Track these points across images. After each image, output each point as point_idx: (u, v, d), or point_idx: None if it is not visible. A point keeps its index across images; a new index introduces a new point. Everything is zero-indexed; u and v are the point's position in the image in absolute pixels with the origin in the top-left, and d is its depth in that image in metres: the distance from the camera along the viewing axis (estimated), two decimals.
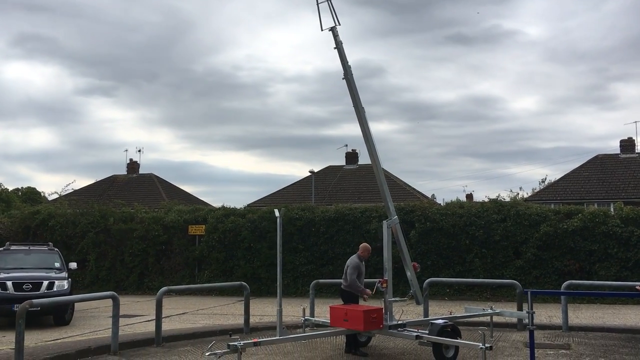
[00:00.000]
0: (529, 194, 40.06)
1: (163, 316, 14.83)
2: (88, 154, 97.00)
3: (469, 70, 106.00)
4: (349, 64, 9.23)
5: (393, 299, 9.66)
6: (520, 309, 12.03)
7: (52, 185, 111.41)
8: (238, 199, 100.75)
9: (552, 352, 9.73)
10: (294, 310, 16.77)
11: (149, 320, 14.40)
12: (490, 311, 10.77)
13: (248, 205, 33.03)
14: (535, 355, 9.57)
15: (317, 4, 9.13)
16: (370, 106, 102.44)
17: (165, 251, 22.77)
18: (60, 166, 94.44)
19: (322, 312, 14.73)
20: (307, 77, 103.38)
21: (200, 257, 22.36)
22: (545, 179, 46.52)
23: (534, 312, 6.46)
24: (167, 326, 12.50)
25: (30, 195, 60.71)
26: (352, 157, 41.15)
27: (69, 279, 14.69)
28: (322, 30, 9.21)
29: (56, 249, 16.44)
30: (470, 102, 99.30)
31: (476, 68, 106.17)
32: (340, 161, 42.01)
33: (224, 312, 16.58)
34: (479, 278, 18.49)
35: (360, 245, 10.49)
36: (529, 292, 6.48)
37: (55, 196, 27.93)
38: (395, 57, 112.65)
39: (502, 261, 19.15)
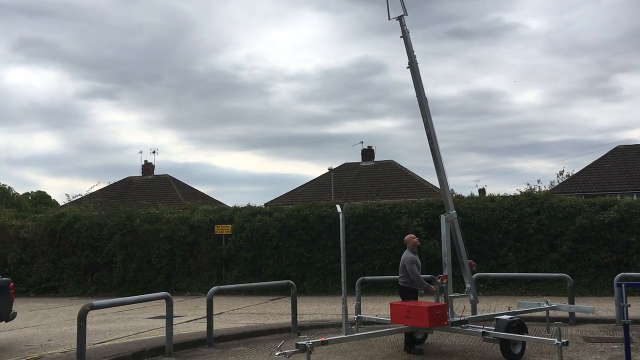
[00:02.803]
0: (547, 187, 39.73)
1: (200, 317, 14.86)
2: (93, 157, 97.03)
3: (471, 64, 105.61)
4: (414, 52, 9.11)
5: (454, 294, 9.47)
6: (571, 302, 11.85)
7: (58, 189, 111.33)
8: (245, 199, 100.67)
9: (616, 347, 9.51)
10: (330, 308, 16.62)
11: (189, 321, 14.29)
12: (546, 305, 10.59)
13: (265, 204, 32.94)
14: (600, 349, 9.46)
15: None
16: (373, 103, 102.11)
17: (192, 251, 22.63)
18: (65, 170, 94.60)
19: (364, 309, 14.56)
20: (308, 76, 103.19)
21: (227, 257, 22.21)
22: (563, 171, 46.25)
23: (628, 305, 6.25)
24: None
25: (41, 199, 60.78)
26: (368, 154, 40.95)
27: None
28: (389, 19, 9.10)
29: None
30: (473, 97, 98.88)
31: (477, 62, 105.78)
32: (349, 158, 41.89)
33: (260, 311, 16.43)
34: (513, 272, 18.30)
35: (406, 238, 10.29)
36: (622, 285, 6.29)
37: (79, 197, 27.83)
38: (396, 53, 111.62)
39: (537, 255, 18.91)
